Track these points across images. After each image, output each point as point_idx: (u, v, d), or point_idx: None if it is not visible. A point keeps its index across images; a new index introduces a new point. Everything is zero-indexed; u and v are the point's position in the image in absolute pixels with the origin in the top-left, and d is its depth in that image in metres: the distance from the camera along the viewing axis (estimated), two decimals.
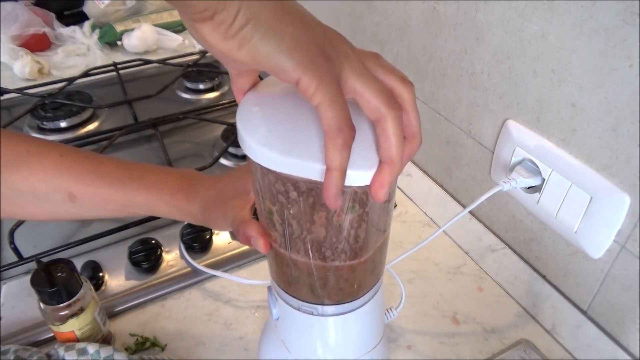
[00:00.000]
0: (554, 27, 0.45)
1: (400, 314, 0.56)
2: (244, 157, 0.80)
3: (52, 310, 0.48)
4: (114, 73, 1.03)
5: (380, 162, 0.28)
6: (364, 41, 0.77)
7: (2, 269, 0.59)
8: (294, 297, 0.39)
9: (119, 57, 1.10)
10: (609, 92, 0.42)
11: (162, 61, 1.06)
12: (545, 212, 0.52)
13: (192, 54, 1.12)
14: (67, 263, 0.49)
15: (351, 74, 0.26)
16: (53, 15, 1.17)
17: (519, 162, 0.54)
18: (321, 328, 0.40)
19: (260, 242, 0.36)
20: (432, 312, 0.58)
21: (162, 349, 0.54)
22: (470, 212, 0.60)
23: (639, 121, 0.41)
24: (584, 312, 0.52)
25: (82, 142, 0.83)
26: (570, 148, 0.48)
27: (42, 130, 0.88)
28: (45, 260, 0.48)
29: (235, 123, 0.31)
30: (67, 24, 1.19)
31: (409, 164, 0.74)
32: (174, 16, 1.22)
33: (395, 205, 0.74)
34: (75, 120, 0.89)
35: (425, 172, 0.72)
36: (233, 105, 0.94)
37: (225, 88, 1.02)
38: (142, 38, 1.12)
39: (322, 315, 0.39)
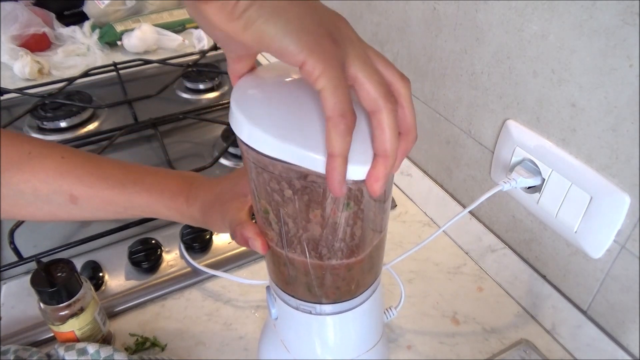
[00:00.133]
0: (554, 27, 0.45)
1: (400, 314, 0.56)
2: None
3: (52, 310, 0.48)
4: (114, 73, 1.03)
5: (375, 156, 0.28)
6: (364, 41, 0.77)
7: (2, 269, 0.59)
8: (292, 296, 0.39)
9: (119, 57, 1.10)
10: (609, 92, 0.42)
11: (162, 61, 1.06)
12: (545, 212, 0.52)
13: (192, 54, 1.12)
14: (67, 263, 0.49)
15: (354, 61, 0.26)
16: (53, 15, 1.17)
17: (519, 162, 0.54)
18: (320, 327, 0.40)
19: (258, 243, 0.36)
20: (432, 312, 0.58)
21: (162, 349, 0.54)
22: (470, 212, 0.60)
23: (639, 121, 0.41)
24: (584, 312, 0.52)
25: (82, 142, 0.83)
26: (570, 148, 0.48)
27: (42, 130, 0.88)
28: (45, 260, 0.48)
29: (230, 124, 0.31)
30: (67, 24, 1.19)
31: (409, 163, 0.74)
32: (174, 16, 1.23)
33: (395, 205, 0.74)
34: (75, 120, 0.89)
35: (425, 172, 0.72)
36: None
37: (225, 88, 1.02)
38: (142, 38, 1.12)
39: (320, 314, 0.39)
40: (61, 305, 0.48)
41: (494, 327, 0.57)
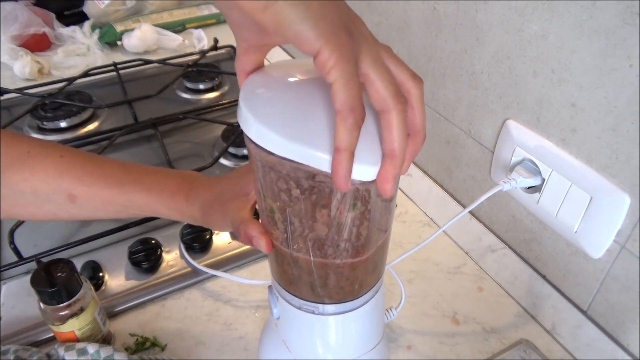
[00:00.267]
0: (554, 27, 0.45)
1: (400, 314, 0.56)
2: (244, 157, 0.80)
3: (52, 310, 0.48)
4: (114, 73, 1.03)
5: (383, 156, 0.28)
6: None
7: (2, 269, 0.59)
8: (295, 296, 0.39)
9: (119, 57, 1.10)
10: (609, 92, 0.42)
11: (162, 61, 1.06)
12: (545, 212, 0.52)
13: (192, 54, 1.12)
14: (67, 263, 0.49)
15: (367, 58, 0.26)
16: (53, 15, 1.17)
17: (519, 162, 0.54)
18: (322, 327, 0.40)
19: (262, 241, 0.36)
20: (432, 312, 0.58)
21: (162, 349, 0.54)
22: (470, 212, 0.61)
23: (639, 121, 0.41)
24: (584, 312, 0.52)
25: (82, 142, 0.83)
26: (570, 148, 0.48)
27: (42, 130, 0.88)
28: (45, 260, 0.48)
29: (235, 123, 0.31)
30: (67, 24, 1.19)
31: None
32: (174, 16, 1.23)
33: (396, 205, 0.74)
34: (75, 120, 0.89)
35: (425, 172, 0.72)
36: (233, 105, 0.94)
37: (225, 88, 1.02)
38: (142, 38, 1.12)
39: (323, 314, 0.39)
40: (61, 305, 0.48)
41: (494, 327, 0.57)
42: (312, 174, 0.29)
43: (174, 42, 1.16)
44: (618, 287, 0.47)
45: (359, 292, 0.38)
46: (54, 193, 0.41)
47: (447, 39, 0.60)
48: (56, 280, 0.47)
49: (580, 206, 0.47)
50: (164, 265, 0.62)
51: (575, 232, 0.49)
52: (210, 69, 1.04)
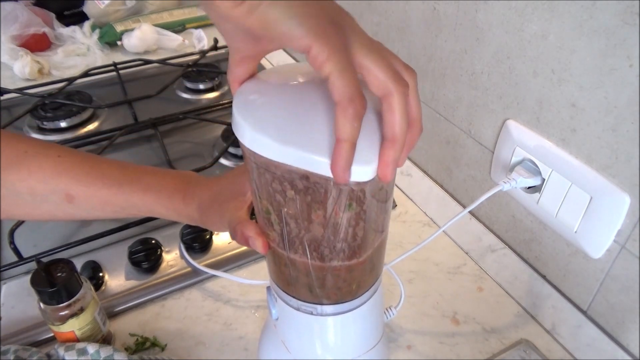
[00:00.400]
0: (554, 27, 0.45)
1: (400, 314, 0.56)
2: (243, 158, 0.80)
3: (52, 310, 0.48)
4: (114, 73, 1.03)
5: (384, 141, 0.27)
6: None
7: (2, 269, 0.59)
8: (293, 297, 0.39)
9: (119, 57, 1.10)
10: (609, 92, 0.42)
11: (162, 61, 1.06)
12: (545, 212, 0.52)
13: (192, 54, 1.12)
14: (67, 263, 0.49)
15: (360, 48, 0.26)
16: (53, 15, 1.17)
17: (519, 162, 0.54)
18: (320, 328, 0.40)
19: (259, 242, 0.36)
20: (432, 312, 0.58)
21: (162, 349, 0.54)
22: (470, 212, 0.60)
23: (639, 121, 0.41)
24: (584, 312, 0.52)
25: (82, 142, 0.83)
26: (570, 148, 0.48)
27: (42, 130, 0.88)
28: (45, 260, 0.48)
29: (233, 129, 0.31)
30: (67, 24, 1.18)
31: (409, 164, 0.74)
32: (174, 16, 1.23)
33: (395, 205, 0.74)
34: (75, 120, 0.89)
35: (425, 172, 0.72)
36: None
37: (225, 88, 1.02)
38: (142, 38, 1.12)
39: (321, 314, 0.39)
40: (61, 305, 0.48)
41: (494, 327, 0.57)
42: (307, 175, 0.29)
43: (174, 42, 1.15)
44: (618, 287, 0.47)
45: (357, 293, 0.38)
46: (51, 193, 0.41)
47: (447, 39, 0.60)
48: (56, 280, 0.47)
49: (580, 206, 0.47)
50: (164, 265, 0.62)
51: (575, 232, 0.49)
52: (210, 69, 1.03)
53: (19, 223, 0.64)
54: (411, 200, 0.75)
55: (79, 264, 0.60)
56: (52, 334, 0.53)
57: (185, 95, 1.00)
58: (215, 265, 0.61)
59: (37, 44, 1.10)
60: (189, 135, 0.88)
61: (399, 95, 0.26)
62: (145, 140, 0.87)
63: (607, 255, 0.47)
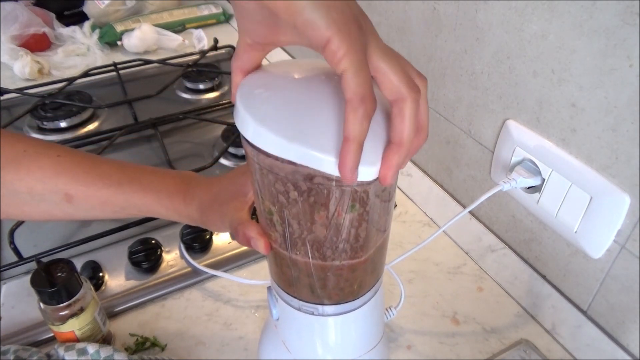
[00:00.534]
0: (554, 27, 0.45)
1: (400, 314, 0.56)
2: (244, 157, 0.80)
3: (52, 310, 0.48)
4: (114, 73, 1.03)
5: (390, 144, 0.28)
6: None
7: (2, 269, 0.59)
8: (295, 297, 0.39)
9: (119, 57, 1.10)
10: (609, 92, 0.42)
11: (162, 61, 1.06)
12: (545, 212, 0.52)
13: (192, 54, 1.12)
14: (67, 263, 0.49)
15: (376, 50, 0.26)
16: (53, 15, 1.17)
17: (519, 162, 0.54)
18: (321, 328, 0.40)
19: (261, 242, 0.36)
20: (432, 312, 0.58)
21: (162, 349, 0.54)
22: (470, 212, 0.60)
23: (639, 121, 0.41)
24: (584, 312, 0.52)
25: (82, 142, 0.83)
26: (570, 148, 0.48)
27: (42, 130, 0.88)
28: (45, 260, 0.48)
29: (235, 123, 0.31)
30: (67, 24, 1.18)
31: (409, 164, 0.74)
32: (174, 16, 1.23)
33: (395, 205, 0.74)
34: (75, 120, 0.89)
35: (425, 172, 0.72)
36: (233, 105, 0.94)
37: (225, 88, 1.02)
38: (142, 38, 1.12)
39: (323, 315, 0.39)
40: (61, 305, 0.48)
41: (494, 327, 0.57)
42: (311, 176, 0.29)
43: (174, 42, 1.15)
44: (618, 287, 0.47)
45: (359, 293, 0.38)
46: (50, 193, 0.41)
47: (447, 39, 0.60)
48: (56, 280, 0.47)
49: (580, 206, 0.47)
50: (164, 265, 0.62)
51: (575, 232, 0.49)
52: (210, 69, 1.04)
53: (19, 223, 0.64)
54: (411, 200, 0.75)
55: (79, 264, 0.60)
56: (52, 334, 0.53)
57: (185, 95, 1.00)
58: (215, 265, 0.61)
59: (37, 44, 1.10)
60: (189, 135, 0.88)
61: (411, 101, 0.26)
62: (145, 140, 0.87)
63: (607, 255, 0.47)
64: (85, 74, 1.01)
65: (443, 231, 0.65)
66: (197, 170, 0.73)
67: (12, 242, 0.62)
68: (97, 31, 1.15)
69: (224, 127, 0.85)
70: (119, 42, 1.15)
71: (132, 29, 1.13)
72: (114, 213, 0.44)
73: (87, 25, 1.19)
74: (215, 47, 1.12)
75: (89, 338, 0.50)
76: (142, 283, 0.60)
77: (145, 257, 0.61)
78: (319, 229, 0.32)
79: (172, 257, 0.63)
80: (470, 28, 0.55)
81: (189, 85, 1.00)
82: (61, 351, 0.47)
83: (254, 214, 0.39)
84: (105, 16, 1.17)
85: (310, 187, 0.29)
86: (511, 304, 0.59)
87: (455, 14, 0.57)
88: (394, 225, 0.70)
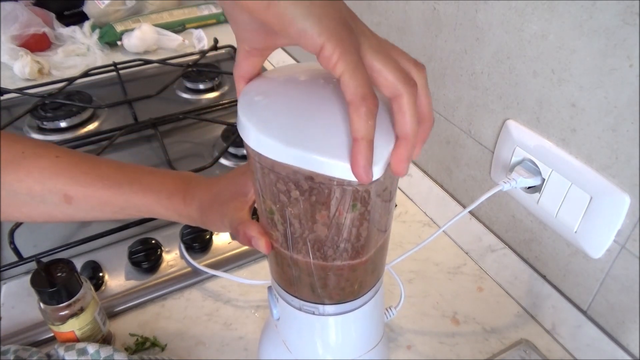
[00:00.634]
0: (554, 27, 0.45)
1: (400, 314, 0.56)
2: (244, 157, 0.80)
3: (52, 310, 0.48)
4: (114, 73, 1.03)
5: (397, 139, 0.28)
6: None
7: (2, 269, 0.59)
8: (295, 297, 0.39)
9: (119, 57, 1.10)
10: (609, 92, 0.42)
11: (162, 61, 1.06)
12: (545, 212, 0.52)
13: (192, 54, 1.12)
14: (67, 263, 0.49)
15: (369, 50, 0.27)
16: (53, 15, 1.17)
17: (519, 162, 0.54)
18: (322, 328, 0.40)
19: (262, 242, 0.36)
20: (432, 312, 0.58)
21: (162, 349, 0.54)
22: (470, 212, 0.60)
23: (639, 121, 0.41)
24: (584, 312, 0.52)
25: (82, 142, 0.83)
26: (570, 148, 0.48)
27: (42, 130, 0.88)
28: (45, 260, 0.48)
29: (235, 123, 0.31)
30: (67, 24, 1.18)
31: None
32: (174, 16, 1.23)
33: (396, 206, 0.74)
34: (75, 120, 0.89)
35: (425, 172, 0.72)
36: (233, 105, 0.94)
37: (225, 88, 1.02)
38: (142, 38, 1.12)
39: (323, 314, 0.39)
40: (61, 305, 0.48)
41: (494, 327, 0.57)
42: (312, 176, 0.29)
43: (174, 42, 1.15)
44: (618, 287, 0.47)
45: (359, 293, 0.38)
46: (49, 193, 0.41)
47: (447, 39, 0.60)
48: (56, 280, 0.47)
49: (580, 206, 0.47)
50: (164, 265, 0.62)
51: (575, 232, 0.49)
52: (210, 69, 1.04)
53: (19, 223, 0.64)
54: (411, 200, 0.75)
55: (79, 264, 0.60)
56: (52, 334, 0.53)
57: (185, 95, 1.00)
58: (215, 265, 0.61)
59: (37, 44, 1.10)
60: (189, 135, 0.88)
61: (408, 96, 0.27)
62: (145, 140, 0.87)
63: (607, 255, 0.47)
64: (85, 74, 1.01)
65: (443, 231, 0.65)
66: (197, 170, 0.73)
67: (12, 242, 0.62)
68: (97, 31, 1.15)
69: (224, 127, 0.85)
70: (119, 42, 1.15)
71: (132, 29, 1.13)
72: (114, 214, 0.44)
73: (87, 25, 1.19)
74: (215, 47, 1.12)
75: (89, 338, 0.50)
76: (142, 283, 0.60)
77: (145, 257, 0.61)
78: (320, 229, 0.32)
79: (172, 257, 0.63)
80: (470, 28, 0.55)
81: (189, 85, 1.00)
82: (61, 351, 0.47)
83: (254, 213, 0.39)
84: (105, 16, 1.17)
85: (311, 186, 0.30)
86: (511, 304, 0.59)
87: (455, 14, 0.57)
88: (394, 225, 0.70)
